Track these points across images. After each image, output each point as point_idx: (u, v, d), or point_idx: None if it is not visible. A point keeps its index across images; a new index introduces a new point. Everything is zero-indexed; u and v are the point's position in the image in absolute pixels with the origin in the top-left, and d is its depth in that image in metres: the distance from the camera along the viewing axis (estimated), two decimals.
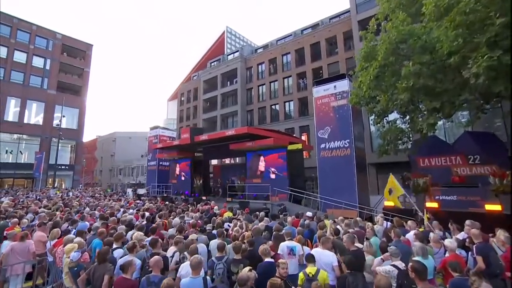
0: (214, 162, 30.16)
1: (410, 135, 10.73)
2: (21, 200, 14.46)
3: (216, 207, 10.65)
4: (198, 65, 54.43)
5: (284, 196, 15.18)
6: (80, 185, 34.05)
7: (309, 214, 8.30)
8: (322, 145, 14.23)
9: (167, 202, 13.54)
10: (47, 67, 31.40)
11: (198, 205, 12.31)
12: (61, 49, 32.93)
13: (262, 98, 29.24)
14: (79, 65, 34.43)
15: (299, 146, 16.67)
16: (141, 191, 22.69)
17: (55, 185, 28.88)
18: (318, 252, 4.16)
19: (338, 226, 6.26)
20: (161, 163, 24.88)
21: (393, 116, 11.20)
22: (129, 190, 28.82)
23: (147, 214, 9.13)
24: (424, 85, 6.37)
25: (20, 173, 28.33)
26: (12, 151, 28.91)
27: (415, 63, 6.48)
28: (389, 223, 6.95)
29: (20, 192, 21.05)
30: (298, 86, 26.48)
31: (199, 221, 8.00)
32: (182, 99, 38.32)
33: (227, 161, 30.63)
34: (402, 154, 11.54)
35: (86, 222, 7.73)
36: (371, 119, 11.52)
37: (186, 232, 6.79)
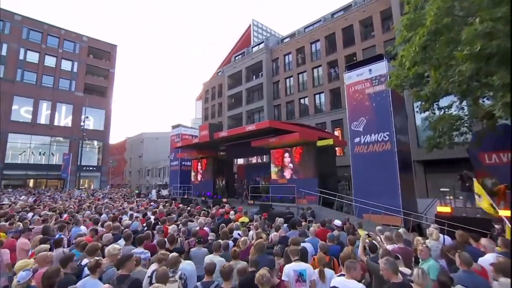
0: (239, 161, 29.51)
1: (471, 124, 8.85)
2: (40, 201, 14.84)
3: (232, 212, 9.67)
4: (225, 62, 54.45)
5: (313, 199, 13.87)
6: (108, 186, 35.47)
7: (337, 223, 6.94)
8: (357, 139, 12.68)
9: (181, 205, 12.93)
10: (75, 70, 33.09)
11: (214, 208, 11.47)
12: (87, 51, 34.51)
13: (289, 91, 27.91)
14: (104, 66, 35.88)
15: (330, 141, 15.19)
16: (164, 192, 22.65)
17: (80, 186, 30.19)
18: (341, 283, 2.96)
19: (376, 240, 4.93)
20: (183, 163, 24.72)
21: (446, 100, 9.36)
22: (154, 191, 29.25)
23: (151, 217, 8.46)
24: (499, 49, 4.77)
25: (52, 174, 30.04)
26: (44, 152, 30.80)
27: (485, 20, 4.91)
28: (446, 236, 5.41)
29: (47, 193, 22.05)
30: (329, 76, 24.74)
31: (205, 228, 7.10)
32: (207, 96, 38.26)
33: (253, 160, 29.78)
34: (459, 149, 9.63)
35: (82, 227, 7.20)
36: (417, 106, 9.76)
37: (185, 241, 5.92)
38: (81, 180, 35.16)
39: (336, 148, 19.21)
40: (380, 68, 11.90)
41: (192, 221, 8.29)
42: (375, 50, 21.78)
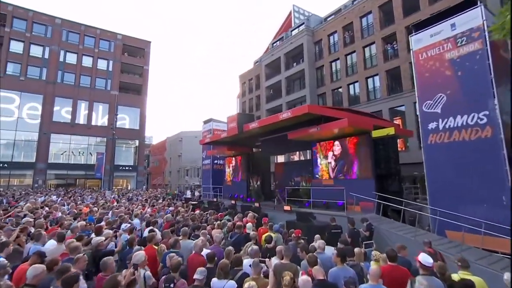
0: (279, 159, 27.16)
1: None
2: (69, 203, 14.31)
3: (249, 224, 7.40)
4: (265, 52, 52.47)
5: (369, 206, 11.02)
6: (144, 186, 35.83)
7: (425, 260, 3.94)
8: (432, 125, 9.52)
9: (198, 211, 11.03)
10: (110, 69, 33.91)
11: (236, 217, 9.32)
12: (122, 49, 35.19)
13: (336, 77, 24.70)
14: (139, 63, 36.32)
15: (391, 130, 12.07)
16: (197, 193, 21.34)
17: (114, 186, 30.55)
18: None
19: None
20: (215, 161, 23.21)
21: None
22: (189, 192, 28.36)
23: (145, 231, 6.59)
24: None
25: (90, 174, 30.95)
26: (83, 152, 31.95)
27: None
28: None
29: (78, 193, 22.18)
30: (385, 54, 21.05)
31: (204, 252, 4.94)
32: (244, 89, 36.58)
33: (295, 157, 27.16)
34: None
35: (51, 242, 5.57)
36: None
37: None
38: (119, 180, 36.09)
39: (397, 141, 15.76)
40: (471, 18, 8.55)
41: (197, 237, 6.23)
42: None
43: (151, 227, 7.30)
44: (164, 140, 61.31)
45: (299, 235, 6.36)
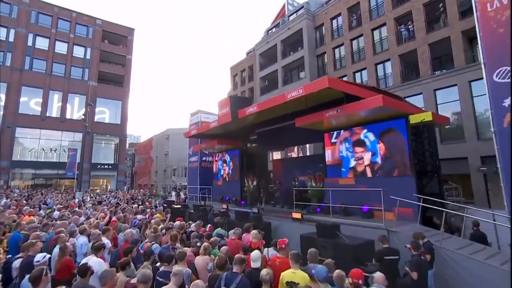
0: (276, 155, 24.07)
1: None
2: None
3: (256, 254, 4.23)
4: None
5: (407, 212, 8.07)
6: (125, 187, 32.16)
7: None
8: (508, 101, 6.57)
9: (181, 222, 7.74)
10: (88, 57, 30.15)
11: (233, 233, 6.17)
12: (101, 36, 31.45)
13: (340, 64, 21.83)
14: (121, 52, 32.66)
15: (427, 116, 9.23)
16: (182, 195, 18.05)
17: (91, 186, 26.87)
18: None
19: None
20: (204, 158, 19.94)
21: None
22: (173, 194, 25.01)
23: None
24: None
25: (63, 174, 27.11)
26: (56, 149, 28.07)
27: None
28: None
29: (41, 194, 18.50)
30: (398, 37, 18.26)
31: None
32: (236, 81, 33.37)
33: (293, 153, 24.17)
34: None
35: None
36: None
37: None
38: (98, 180, 32.29)
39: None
40: None
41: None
42: None
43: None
44: (151, 138, 57.42)
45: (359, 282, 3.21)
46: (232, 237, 6.04)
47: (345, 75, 21.17)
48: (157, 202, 17.04)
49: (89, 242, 5.95)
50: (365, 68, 19.86)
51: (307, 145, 23.19)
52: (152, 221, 7.88)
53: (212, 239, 6.00)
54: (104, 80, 31.35)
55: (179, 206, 14.39)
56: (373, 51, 19.48)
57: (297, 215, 9.28)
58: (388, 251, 5.23)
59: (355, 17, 21.12)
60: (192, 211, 13.15)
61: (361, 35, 20.28)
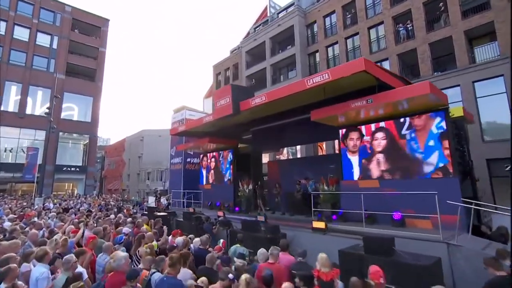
0: (265, 157, 22.41)
1: None
2: None
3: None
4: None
5: (450, 220, 6.71)
6: (94, 192, 28.80)
7: None
8: None
9: (183, 237, 5.78)
10: (54, 46, 26.73)
11: (261, 255, 4.38)
12: (71, 25, 28.17)
13: (333, 63, 20.79)
14: (93, 44, 29.49)
15: (459, 111, 8.12)
16: (164, 201, 15.75)
17: (50, 192, 23.52)
18: None
19: None
20: (188, 159, 17.82)
21: None
22: (151, 199, 22.39)
23: None
24: None
25: (20, 177, 23.42)
26: (12, 149, 24.30)
27: None
28: None
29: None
30: (397, 36, 17.52)
31: None
32: (219, 80, 31.42)
33: (281, 156, 22.67)
34: None
35: None
36: None
37: None
38: (63, 185, 28.63)
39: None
40: None
41: None
42: None
43: None
44: (123, 139, 53.37)
45: None
46: (270, 260, 4.23)
47: None
48: (135, 210, 14.64)
49: (52, 274, 3.89)
50: None
51: (297, 147, 21.85)
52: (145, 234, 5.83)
53: (238, 263, 4.21)
54: (73, 74, 27.98)
55: (164, 213, 12.25)
56: (370, 50, 18.63)
57: (319, 224, 7.66)
58: (423, 269, 3.75)
59: (349, 15, 20.25)
60: (181, 219, 11.09)
61: (357, 33, 19.40)
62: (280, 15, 25.32)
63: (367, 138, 8.85)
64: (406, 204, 7.68)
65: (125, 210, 13.83)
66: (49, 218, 9.65)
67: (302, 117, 11.29)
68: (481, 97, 14.19)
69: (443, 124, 7.45)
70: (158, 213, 12.96)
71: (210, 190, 14.95)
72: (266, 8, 51.69)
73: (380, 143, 8.57)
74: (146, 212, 13.37)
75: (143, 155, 44.11)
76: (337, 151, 20.12)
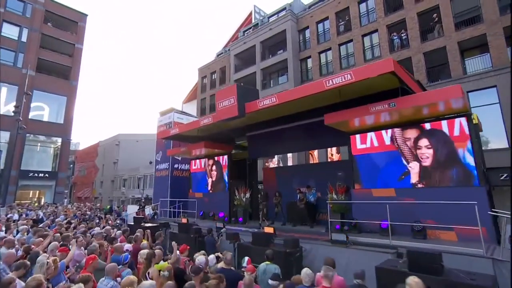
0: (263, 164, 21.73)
1: None
2: None
3: None
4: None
5: (473, 233, 6.46)
6: (65, 200, 26.56)
7: None
8: None
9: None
10: (24, 39, 24.63)
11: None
12: (44, 18, 26.21)
13: (326, 69, 20.76)
14: (69, 39, 27.59)
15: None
16: (148, 210, 14.53)
17: (13, 200, 21.37)
18: None
19: None
20: (176, 165, 16.75)
21: None
22: (131, 208, 20.86)
23: None
24: None
25: None
26: None
27: None
28: None
29: None
30: (391, 45, 17.76)
31: None
32: (204, 83, 30.52)
33: (271, 163, 22.14)
34: None
35: None
36: None
37: None
38: (27, 192, 26.14)
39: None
40: None
41: None
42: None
43: None
44: (96, 144, 50.44)
45: None
46: (325, 283, 3.55)
47: None
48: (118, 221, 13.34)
49: None
50: None
51: (289, 154, 21.41)
52: (153, 252, 4.92)
53: (273, 285, 3.52)
54: (45, 70, 25.88)
55: (153, 225, 11.20)
56: (364, 57, 18.75)
57: (339, 236, 7.08)
58: None
59: (343, 22, 20.38)
60: (176, 231, 10.10)
61: (351, 40, 19.51)
62: (271, 19, 25.10)
63: (388, 143, 8.48)
64: (426, 214, 7.37)
65: (110, 221, 12.49)
66: (19, 232, 8.32)
67: (307, 122, 10.92)
68: (475, 107, 14.52)
69: (466, 130, 7.24)
70: (147, 225, 11.89)
71: (202, 199, 14.01)
72: (251, 13, 51.77)
73: (399, 150, 8.24)
74: (132, 224, 12.17)
75: (119, 161, 41.79)
76: (330, 159, 20.05)
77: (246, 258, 4.96)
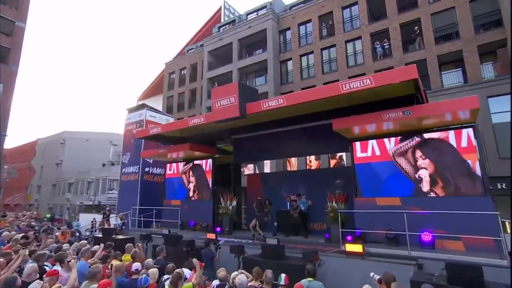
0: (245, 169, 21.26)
1: None
2: None
3: None
4: (181, 52, 44.70)
5: (485, 243, 7.00)
6: None
7: None
8: None
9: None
10: None
11: None
12: None
13: (308, 73, 21.20)
14: (7, 15, 24.54)
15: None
16: (113, 219, 13.29)
17: None
18: None
19: None
20: (147, 169, 15.66)
21: None
22: (84, 217, 19.18)
23: None
24: None
25: None
26: None
27: None
28: None
29: None
30: (374, 53, 18.74)
31: None
32: (171, 80, 29.28)
33: (246, 169, 21.83)
34: None
35: None
36: None
37: None
38: None
39: None
40: None
41: None
42: (454, 14, 16.54)
43: None
44: (34, 142, 45.47)
45: None
46: None
47: (314, 85, 20.54)
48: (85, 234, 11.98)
49: None
50: (337, 80, 19.60)
51: (266, 162, 21.33)
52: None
53: None
54: None
55: (128, 236, 10.27)
56: (347, 63, 19.52)
57: (355, 247, 7.07)
58: None
59: (326, 26, 21.05)
60: (161, 245, 9.29)
61: (334, 45, 20.20)
62: (250, 17, 25.04)
63: (394, 151, 8.75)
64: (434, 224, 7.70)
65: (67, 234, 11.07)
66: None
67: (302, 126, 10.94)
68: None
69: (473, 141, 7.76)
70: (119, 237, 10.90)
71: (181, 207, 13.20)
72: (220, 9, 51.28)
73: (404, 159, 8.55)
74: (101, 235, 10.97)
75: (64, 162, 38.11)
76: (308, 166, 20.40)
77: (283, 275, 4.66)
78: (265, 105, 8.78)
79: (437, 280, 5.06)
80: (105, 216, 14.90)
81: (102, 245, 7.10)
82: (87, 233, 12.55)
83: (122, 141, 16.93)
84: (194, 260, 4.88)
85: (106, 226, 13.73)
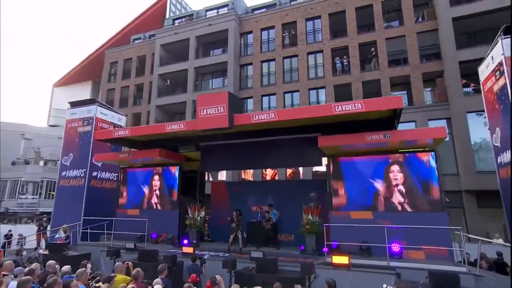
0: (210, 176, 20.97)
1: None
2: None
3: None
4: (110, 41, 40.24)
5: (441, 252, 8.76)
6: None
7: None
8: None
9: None
10: None
11: None
12: None
13: (268, 81, 22.26)
14: None
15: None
16: (60, 233, 12.20)
17: None
18: None
19: None
20: (95, 173, 14.71)
21: None
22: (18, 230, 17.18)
23: None
24: None
25: None
26: None
27: None
28: None
29: None
30: (334, 68, 20.71)
31: None
32: (114, 69, 27.53)
33: (218, 176, 21.88)
34: None
35: None
36: None
37: None
38: None
39: None
40: None
41: None
42: (403, 42, 19.32)
43: None
44: None
45: None
46: None
47: (274, 94, 21.73)
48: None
49: None
50: (298, 90, 21.10)
51: (222, 172, 21.56)
52: None
53: None
54: None
55: (81, 253, 9.76)
56: (308, 75, 21.12)
57: (341, 259, 8.07)
58: None
59: (289, 35, 22.42)
60: (139, 261, 9.06)
61: (296, 55, 21.66)
62: (210, 14, 25.18)
63: (368, 169, 10.11)
64: (400, 236, 9.22)
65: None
66: None
67: (277, 138, 11.73)
68: None
69: (433, 163, 9.54)
70: (72, 253, 10.24)
71: (139, 217, 12.82)
72: (165, 2, 49.39)
73: (376, 177, 10.00)
74: (50, 251, 10.08)
75: None
76: (264, 176, 21.35)
77: None
78: (255, 118, 9.34)
79: None
80: (41, 228, 13.49)
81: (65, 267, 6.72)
82: (35, 252, 11.22)
83: (63, 139, 15.53)
84: (218, 277, 5.21)
85: (43, 240, 12.55)
